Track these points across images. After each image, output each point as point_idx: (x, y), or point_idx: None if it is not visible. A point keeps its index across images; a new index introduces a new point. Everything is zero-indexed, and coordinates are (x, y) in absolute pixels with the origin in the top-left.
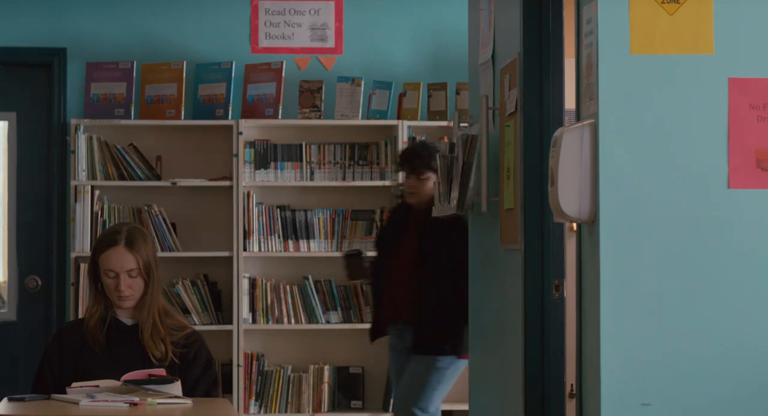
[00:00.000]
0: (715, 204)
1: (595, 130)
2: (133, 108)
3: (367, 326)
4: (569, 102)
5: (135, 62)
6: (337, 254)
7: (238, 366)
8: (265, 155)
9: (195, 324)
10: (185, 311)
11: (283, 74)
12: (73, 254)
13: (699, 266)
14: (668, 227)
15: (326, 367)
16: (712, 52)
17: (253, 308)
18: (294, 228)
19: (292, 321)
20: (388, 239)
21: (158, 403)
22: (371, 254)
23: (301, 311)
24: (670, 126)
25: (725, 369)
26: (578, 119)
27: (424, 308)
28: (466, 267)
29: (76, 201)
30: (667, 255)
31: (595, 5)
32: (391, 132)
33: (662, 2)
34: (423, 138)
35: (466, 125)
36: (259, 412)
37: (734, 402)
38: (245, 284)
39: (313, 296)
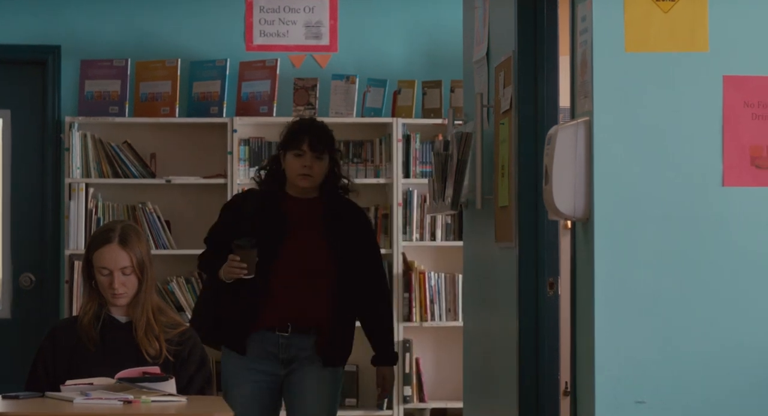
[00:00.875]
0: (709, 202)
1: (589, 128)
2: (127, 106)
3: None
4: (564, 100)
5: (129, 60)
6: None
7: None
8: (259, 153)
9: (189, 322)
10: (179, 308)
11: (278, 72)
12: (67, 252)
13: (693, 264)
14: (663, 224)
15: None
16: (707, 50)
17: None
18: None
19: None
20: (267, 231)
21: (152, 401)
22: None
23: None
24: (665, 124)
25: (720, 367)
26: (573, 116)
27: (339, 313)
28: (381, 265)
29: (70, 199)
30: (662, 253)
31: (589, 3)
32: (385, 130)
33: (657, 0)
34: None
35: (460, 122)
36: None
37: (729, 401)
38: None
39: None
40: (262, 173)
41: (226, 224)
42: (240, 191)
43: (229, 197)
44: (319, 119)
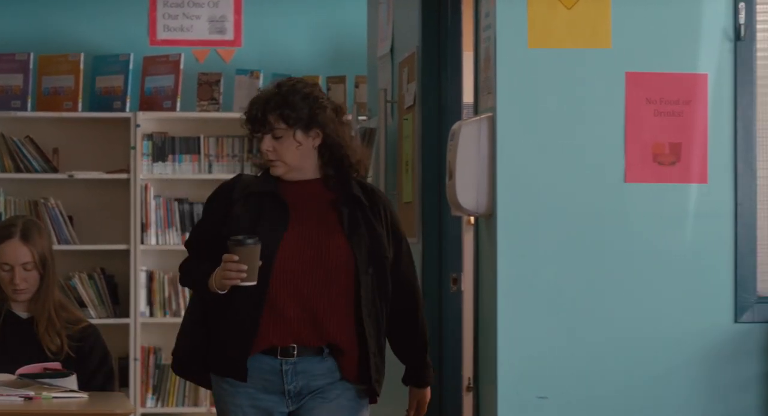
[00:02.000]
0: (612, 198)
1: (492, 123)
2: (29, 100)
3: None
4: (467, 96)
5: (32, 54)
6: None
7: (135, 359)
8: (162, 148)
9: (91, 318)
10: (82, 304)
11: (182, 67)
12: None
13: (596, 259)
14: (565, 220)
15: None
16: (610, 47)
17: (150, 302)
18: (192, 221)
19: None
20: (266, 224)
21: (53, 397)
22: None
23: None
24: (568, 120)
25: (620, 362)
26: (476, 112)
27: (370, 330)
28: (411, 260)
29: None
30: (564, 249)
31: (493, 0)
32: None
33: None
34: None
35: (364, 118)
36: (156, 406)
37: (629, 394)
38: (142, 278)
39: None
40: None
41: (213, 220)
42: (144, 186)
43: (132, 193)
44: (223, 114)
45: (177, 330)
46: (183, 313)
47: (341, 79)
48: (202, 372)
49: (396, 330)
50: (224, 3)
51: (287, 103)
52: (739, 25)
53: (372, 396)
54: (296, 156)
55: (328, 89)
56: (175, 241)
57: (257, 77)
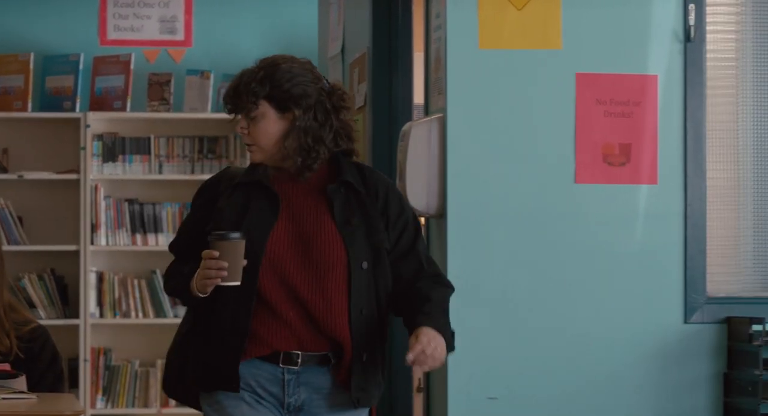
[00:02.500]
0: (562, 199)
1: (443, 124)
2: None
3: None
4: (418, 96)
5: None
6: None
7: (85, 360)
8: (113, 148)
9: (41, 319)
10: (31, 305)
11: (132, 67)
12: None
13: (546, 260)
14: (516, 221)
15: None
16: (560, 48)
17: (100, 303)
18: (142, 222)
19: (140, 315)
20: (254, 218)
21: (2, 398)
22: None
23: (149, 305)
24: (519, 121)
25: (570, 362)
26: (427, 113)
27: (368, 333)
28: (425, 248)
29: None
30: (515, 250)
31: (444, 0)
32: None
33: None
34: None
35: None
36: (106, 407)
37: (579, 394)
38: (92, 279)
39: (161, 290)
40: None
41: (198, 217)
42: (94, 187)
43: (82, 193)
44: (173, 114)
45: (127, 331)
46: (133, 314)
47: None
48: (193, 392)
49: (409, 298)
50: (175, 3)
51: (262, 79)
52: (689, 26)
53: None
54: (272, 140)
55: None
56: (125, 242)
57: (208, 78)
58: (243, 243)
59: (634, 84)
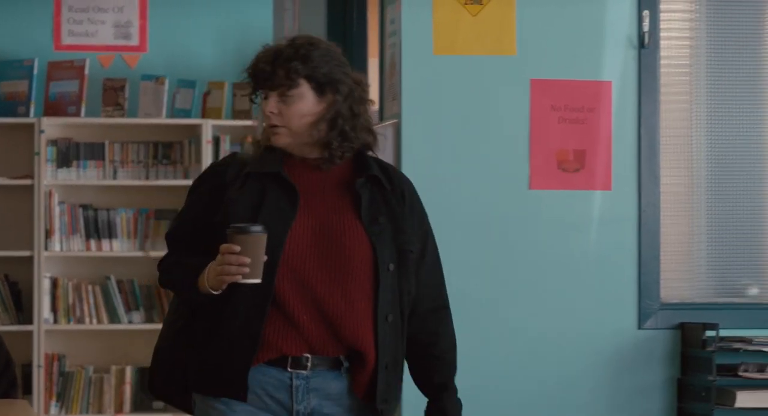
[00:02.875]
0: (516, 205)
1: (398, 130)
2: None
3: None
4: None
5: None
6: (140, 254)
7: (39, 366)
8: (67, 154)
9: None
10: None
11: (87, 72)
12: None
13: (500, 266)
14: (470, 227)
15: (128, 367)
16: (515, 54)
17: (54, 309)
18: (96, 228)
19: (94, 321)
20: (268, 219)
21: None
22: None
23: (103, 311)
24: (473, 127)
25: (525, 367)
26: (381, 119)
27: (393, 341)
28: (438, 259)
29: None
30: (469, 255)
31: (398, 6)
32: (195, 131)
33: (465, 3)
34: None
35: None
36: (60, 413)
37: (533, 399)
38: (46, 284)
39: (116, 296)
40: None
41: (201, 206)
42: (48, 192)
43: (36, 199)
44: (128, 120)
45: (81, 337)
46: (87, 320)
47: (247, 85)
48: (182, 393)
49: (415, 345)
50: (129, 8)
51: (302, 57)
52: (643, 32)
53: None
54: (305, 123)
55: (234, 95)
56: (79, 247)
57: (162, 83)
58: (265, 238)
59: (589, 90)
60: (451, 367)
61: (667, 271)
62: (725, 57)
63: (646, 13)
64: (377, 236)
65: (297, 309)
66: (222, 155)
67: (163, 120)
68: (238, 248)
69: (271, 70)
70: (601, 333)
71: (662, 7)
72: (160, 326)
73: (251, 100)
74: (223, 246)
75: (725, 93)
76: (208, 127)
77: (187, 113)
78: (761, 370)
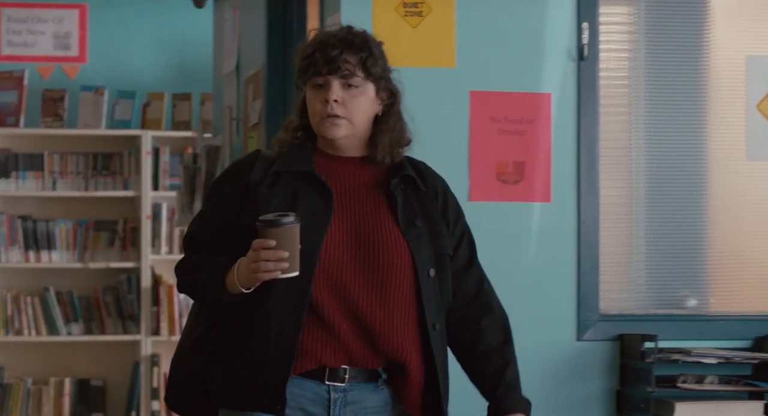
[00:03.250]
0: None
1: None
2: None
3: (112, 338)
4: None
5: None
6: (79, 265)
7: None
8: (6, 165)
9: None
10: None
11: (26, 83)
12: None
13: None
14: None
15: (67, 379)
16: (454, 66)
17: None
18: (35, 239)
19: (33, 332)
20: (303, 221)
21: None
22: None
23: (42, 322)
24: (413, 138)
25: (463, 377)
26: None
27: (438, 345)
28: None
29: None
30: None
31: (338, 16)
32: (134, 142)
33: (405, 15)
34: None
35: (210, 135)
36: None
37: (472, 409)
38: None
39: (54, 308)
40: (292, 120)
41: (226, 207)
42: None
43: None
44: (67, 130)
45: (19, 349)
46: (25, 331)
47: (187, 97)
48: (205, 406)
49: (470, 344)
50: (69, 19)
51: (370, 50)
52: (583, 45)
53: None
54: (366, 118)
55: (174, 106)
56: (18, 259)
57: (102, 94)
58: (298, 227)
59: (528, 102)
60: (504, 362)
61: (606, 282)
62: (664, 69)
63: (585, 25)
64: (415, 241)
65: (336, 318)
66: (162, 166)
67: (103, 131)
68: (273, 243)
69: (342, 57)
70: (540, 345)
71: (601, 19)
72: (99, 338)
73: (297, 87)
74: (257, 242)
75: (664, 105)
76: (147, 138)
77: (126, 124)
78: (700, 381)
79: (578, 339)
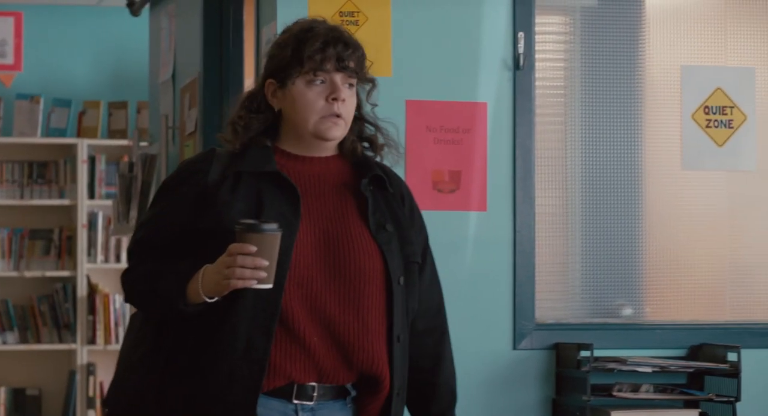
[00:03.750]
0: None
1: None
2: None
3: (47, 347)
4: None
5: None
6: (15, 274)
7: None
8: None
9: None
10: None
11: None
12: None
13: None
14: None
15: (2, 389)
16: (390, 75)
17: None
18: None
19: None
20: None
21: None
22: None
23: None
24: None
25: None
26: None
27: (404, 363)
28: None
29: None
30: None
31: (274, 25)
32: (70, 151)
33: (341, 24)
34: None
35: (146, 144)
36: None
37: None
38: None
39: None
40: (244, 117)
41: (182, 210)
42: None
43: None
44: (2, 139)
45: None
46: None
47: (123, 105)
48: None
49: (414, 371)
50: (4, 27)
51: (363, 48)
52: (518, 54)
53: None
54: (352, 114)
55: (110, 115)
56: None
57: (38, 102)
58: (279, 238)
59: (464, 111)
60: (452, 396)
61: (542, 291)
62: (600, 79)
63: (521, 34)
64: (386, 245)
65: (307, 330)
66: (98, 174)
67: (38, 139)
68: (253, 249)
69: (351, 54)
70: (476, 354)
71: (537, 29)
72: (35, 347)
73: (276, 80)
74: (235, 246)
75: (599, 114)
76: (83, 146)
77: (62, 133)
78: (635, 390)
79: (514, 348)
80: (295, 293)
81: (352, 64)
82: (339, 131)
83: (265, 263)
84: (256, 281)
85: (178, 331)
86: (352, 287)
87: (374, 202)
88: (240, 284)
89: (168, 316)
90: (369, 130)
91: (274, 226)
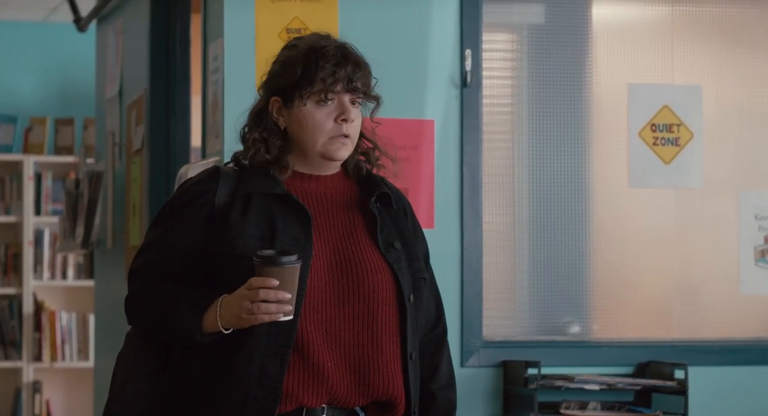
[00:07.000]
0: None
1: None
2: None
3: (7, 365)
4: (195, 139)
5: None
6: None
7: None
8: None
9: None
10: None
11: None
12: None
13: None
14: None
15: None
16: None
17: None
18: None
19: None
20: (285, 239)
21: None
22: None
23: None
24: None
25: None
26: (204, 156)
27: (417, 384)
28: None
29: None
30: None
31: (221, 42)
32: (16, 168)
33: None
34: None
35: (92, 161)
36: None
37: None
38: None
39: None
40: (250, 135)
41: (189, 233)
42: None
43: None
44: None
45: None
46: None
47: (69, 121)
48: None
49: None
50: None
51: (368, 66)
52: (466, 72)
53: None
54: (358, 133)
55: (57, 131)
56: None
57: None
58: (299, 269)
59: (412, 128)
60: (450, 406)
61: (489, 309)
62: (547, 96)
63: (468, 52)
64: (397, 264)
65: (321, 355)
66: (44, 191)
67: None
68: (276, 283)
69: (360, 76)
70: None
71: (484, 46)
72: None
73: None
74: (257, 280)
75: (547, 132)
76: (29, 163)
77: (8, 149)
78: (583, 407)
79: (462, 366)
80: (309, 319)
81: (360, 85)
82: (347, 151)
83: (288, 296)
84: (282, 315)
85: (187, 356)
86: (366, 310)
87: (382, 220)
88: (267, 319)
89: (178, 343)
90: (365, 144)
91: (293, 258)
